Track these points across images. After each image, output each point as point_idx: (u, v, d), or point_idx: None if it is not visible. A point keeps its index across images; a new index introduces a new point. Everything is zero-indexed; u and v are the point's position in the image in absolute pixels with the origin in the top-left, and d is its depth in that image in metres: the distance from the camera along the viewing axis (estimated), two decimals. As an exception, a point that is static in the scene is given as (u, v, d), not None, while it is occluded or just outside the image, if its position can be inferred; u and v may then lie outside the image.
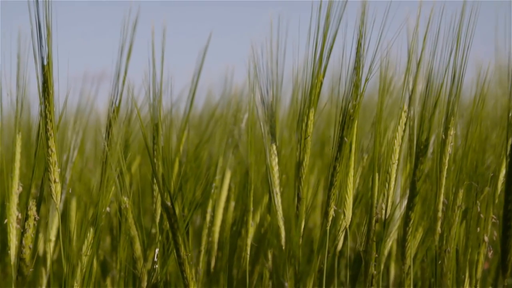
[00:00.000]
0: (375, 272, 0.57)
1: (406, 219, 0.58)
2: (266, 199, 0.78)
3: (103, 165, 0.68)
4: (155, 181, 0.68)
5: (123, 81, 0.70)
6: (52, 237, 0.71)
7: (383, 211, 0.61)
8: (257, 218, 0.77)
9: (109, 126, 0.69)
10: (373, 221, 0.57)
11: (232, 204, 0.78)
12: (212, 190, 0.75)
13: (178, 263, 0.57)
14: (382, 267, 0.59)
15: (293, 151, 0.69)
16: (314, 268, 0.61)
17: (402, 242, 0.58)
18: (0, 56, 0.66)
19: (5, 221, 0.64)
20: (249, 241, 0.68)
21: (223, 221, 0.78)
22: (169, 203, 0.56)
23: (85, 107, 0.77)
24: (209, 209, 0.75)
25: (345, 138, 0.63)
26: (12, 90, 0.65)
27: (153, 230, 0.77)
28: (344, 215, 0.64)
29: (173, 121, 0.76)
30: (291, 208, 0.58)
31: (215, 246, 0.77)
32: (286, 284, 0.49)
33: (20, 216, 0.65)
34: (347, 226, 0.64)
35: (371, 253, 0.56)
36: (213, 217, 0.76)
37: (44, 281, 0.70)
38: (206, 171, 0.80)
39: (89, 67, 0.73)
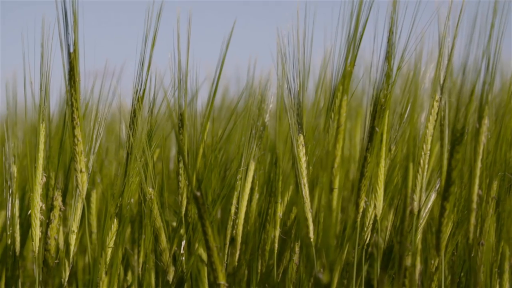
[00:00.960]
0: (409, 264, 0.55)
1: (441, 209, 0.56)
2: (289, 191, 0.77)
3: (128, 155, 0.67)
4: (181, 172, 0.66)
5: (148, 70, 0.68)
6: (75, 228, 0.69)
7: (415, 202, 0.59)
8: (281, 211, 0.76)
9: (133, 115, 0.68)
10: (407, 212, 0.55)
11: (256, 196, 0.77)
12: (238, 182, 0.74)
13: (207, 255, 0.56)
14: (416, 259, 0.58)
15: (321, 141, 0.68)
16: (342, 260, 0.60)
17: (437, 233, 0.57)
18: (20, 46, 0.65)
19: (29, 212, 0.63)
20: (277, 233, 0.67)
21: (247, 213, 0.76)
22: (198, 193, 0.55)
23: (106, 97, 0.75)
24: (234, 201, 0.73)
25: (376, 128, 0.61)
26: (35, 79, 0.64)
27: (173, 223, 0.76)
28: (375, 206, 0.62)
29: (197, 110, 0.74)
30: (324, 199, 0.56)
31: (239, 239, 0.75)
32: (321, 275, 0.47)
33: (44, 207, 0.64)
34: (378, 218, 0.62)
35: (405, 245, 0.55)
36: (237, 209, 0.74)
37: (67, 273, 0.68)
38: (230, 163, 0.78)
39: (111, 56, 0.71)
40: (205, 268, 0.79)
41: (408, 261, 0.55)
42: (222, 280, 0.57)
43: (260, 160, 0.77)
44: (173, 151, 1.09)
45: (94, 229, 0.83)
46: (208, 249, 0.56)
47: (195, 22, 0.71)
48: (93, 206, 0.83)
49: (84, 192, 0.59)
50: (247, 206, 0.76)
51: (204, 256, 0.81)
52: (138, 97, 0.69)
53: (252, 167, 0.76)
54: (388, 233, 0.68)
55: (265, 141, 0.77)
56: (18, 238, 0.70)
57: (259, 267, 0.76)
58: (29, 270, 0.95)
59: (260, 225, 0.75)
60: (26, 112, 0.64)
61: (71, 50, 0.59)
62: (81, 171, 0.59)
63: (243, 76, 0.86)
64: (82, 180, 0.59)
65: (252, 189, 0.77)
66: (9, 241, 0.69)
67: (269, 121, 0.77)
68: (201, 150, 0.73)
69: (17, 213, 0.71)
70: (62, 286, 0.65)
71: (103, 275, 0.55)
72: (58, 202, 0.60)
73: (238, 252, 0.76)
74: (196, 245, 0.65)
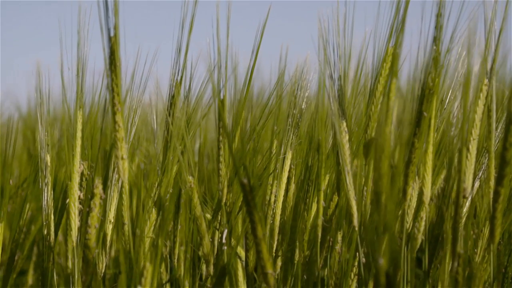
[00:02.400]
0: (462, 251, 0.54)
1: (495, 195, 0.55)
2: (326, 180, 0.76)
3: (166, 143, 0.65)
4: (221, 159, 0.65)
5: (185, 56, 0.67)
6: (111, 218, 0.68)
7: (467, 188, 0.58)
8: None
9: (171, 103, 0.67)
10: (461, 198, 0.54)
11: (293, 185, 0.75)
12: (277, 171, 0.72)
13: (254, 243, 0.55)
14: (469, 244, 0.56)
15: (361, 125, 0.66)
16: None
17: (491, 220, 0.55)
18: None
19: (67, 200, 0.62)
20: (320, 221, 0.65)
21: (284, 203, 0.75)
22: (245, 180, 0.53)
23: (139, 84, 0.74)
24: (274, 190, 0.72)
25: (424, 113, 0.60)
26: (73, 65, 0.62)
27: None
28: (423, 193, 0.61)
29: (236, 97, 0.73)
30: (372, 185, 0.55)
31: (276, 229, 0.74)
32: (381, 260, 0.46)
33: (82, 196, 0.62)
34: (426, 205, 0.61)
35: (457, 231, 0.53)
36: (275, 198, 0.73)
37: (103, 264, 0.67)
38: (266, 151, 0.77)
39: (148, 41, 0.70)
40: (239, 261, 0.77)
41: (461, 248, 0.54)
42: (269, 269, 0.55)
43: (296, 149, 0.76)
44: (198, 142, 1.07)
45: (126, 220, 0.81)
46: (255, 237, 0.55)
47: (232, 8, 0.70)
48: (125, 197, 0.82)
49: (126, 180, 0.58)
50: (284, 196, 0.75)
51: (239, 249, 0.79)
52: (176, 83, 0.67)
53: (289, 155, 0.74)
54: (431, 220, 0.67)
55: (302, 129, 0.75)
56: (52, 229, 0.69)
57: (297, 258, 0.74)
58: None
59: (297, 214, 0.73)
60: (64, 99, 0.62)
61: (112, 34, 0.57)
62: (122, 158, 0.57)
63: (277, 63, 0.84)
64: (124, 167, 0.57)
65: (289, 178, 0.75)
66: (45, 232, 0.67)
67: (306, 108, 0.76)
68: (237, 138, 0.72)
69: (51, 203, 0.69)
70: (100, 277, 0.63)
71: (147, 264, 0.53)
72: (98, 190, 0.58)
73: (275, 243, 0.74)
74: (238, 235, 0.64)
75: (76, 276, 0.66)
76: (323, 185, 0.66)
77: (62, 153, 0.73)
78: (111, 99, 0.57)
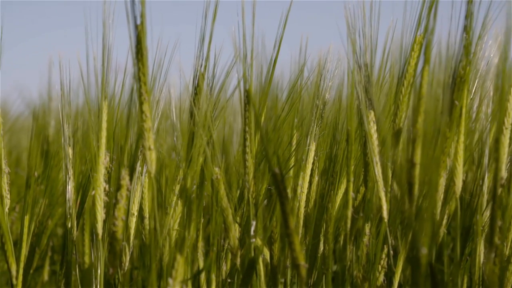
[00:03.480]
0: (499, 242, 0.53)
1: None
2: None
3: (191, 134, 0.64)
4: (247, 150, 0.64)
5: (209, 46, 0.66)
6: (135, 211, 0.67)
7: (502, 177, 0.56)
8: (343, 189, 0.74)
9: (195, 93, 0.66)
10: (498, 187, 0.53)
11: (316, 177, 0.74)
12: (303, 162, 0.71)
13: (286, 234, 0.54)
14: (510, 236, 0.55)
15: (389, 115, 0.65)
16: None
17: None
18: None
19: (93, 192, 0.61)
20: (349, 213, 0.64)
21: (308, 195, 0.74)
22: (277, 170, 0.52)
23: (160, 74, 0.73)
24: (300, 182, 0.71)
25: (456, 102, 0.59)
26: (98, 55, 0.61)
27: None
28: (454, 183, 0.60)
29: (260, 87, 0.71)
30: (404, 175, 0.54)
31: (301, 222, 0.73)
32: (424, 250, 0.45)
33: (107, 188, 0.61)
34: (457, 195, 0.60)
35: (495, 222, 0.52)
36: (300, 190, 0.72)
37: (127, 257, 0.66)
38: (288, 144, 0.76)
39: (169, 32, 0.69)
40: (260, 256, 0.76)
41: (497, 239, 0.53)
42: (301, 261, 0.54)
43: (319, 141, 0.75)
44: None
45: (146, 214, 0.80)
46: (287, 228, 0.54)
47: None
48: (145, 190, 0.81)
49: (154, 170, 0.57)
50: (308, 188, 0.74)
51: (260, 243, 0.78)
52: (199, 73, 0.66)
53: (312, 147, 0.73)
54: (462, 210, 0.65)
55: (326, 120, 0.74)
56: (75, 222, 0.68)
57: (321, 251, 0.73)
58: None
59: (322, 207, 0.72)
60: (87, 90, 0.61)
61: (138, 23, 0.56)
62: (149, 149, 0.56)
63: (297, 54, 0.83)
64: (151, 157, 0.56)
65: (312, 170, 0.74)
66: (68, 225, 0.66)
67: (329, 99, 0.75)
68: (253, 130, 0.70)
69: (73, 196, 0.68)
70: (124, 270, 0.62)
71: (178, 256, 0.52)
72: (125, 181, 0.57)
73: (299, 236, 0.74)
74: (266, 227, 0.63)
75: (99, 270, 0.65)
76: (351, 176, 0.65)
77: (83, 146, 0.72)
78: (138, 88, 0.56)
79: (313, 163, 0.74)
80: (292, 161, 0.75)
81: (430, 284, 0.46)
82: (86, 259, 0.93)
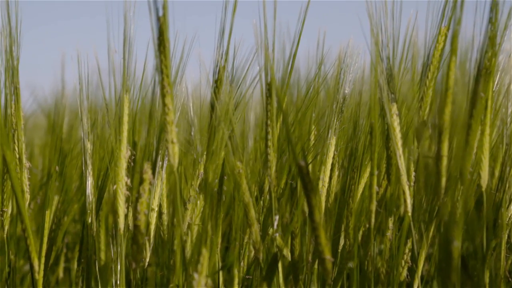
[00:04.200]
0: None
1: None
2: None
3: (212, 128, 0.64)
4: (269, 144, 0.63)
5: (229, 38, 0.65)
6: (155, 206, 0.66)
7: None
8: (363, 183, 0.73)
9: (216, 86, 0.65)
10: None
11: (336, 172, 0.73)
12: (324, 157, 0.70)
13: (311, 228, 0.53)
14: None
15: (415, 109, 0.64)
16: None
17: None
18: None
19: (114, 187, 0.60)
20: (373, 207, 0.63)
21: (328, 189, 0.73)
22: (303, 163, 0.52)
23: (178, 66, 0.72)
24: (322, 175, 0.70)
25: (481, 94, 0.58)
26: (119, 48, 0.61)
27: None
28: (480, 176, 0.59)
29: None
30: (431, 167, 0.53)
31: (322, 216, 0.72)
32: (456, 243, 0.44)
33: (129, 182, 0.61)
34: (483, 189, 0.59)
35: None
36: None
37: (148, 253, 0.66)
38: (306, 138, 0.75)
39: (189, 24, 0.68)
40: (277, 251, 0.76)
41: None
42: (327, 255, 0.53)
43: (339, 135, 0.74)
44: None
45: (164, 210, 0.80)
46: (313, 221, 0.53)
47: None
48: (163, 185, 0.80)
49: (176, 164, 0.56)
50: (328, 182, 0.73)
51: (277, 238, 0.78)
52: (220, 66, 0.65)
53: (333, 141, 0.73)
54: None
55: (346, 114, 0.73)
56: (94, 217, 0.67)
57: (341, 246, 0.73)
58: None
59: (343, 201, 0.71)
60: (114, 83, 0.60)
61: (160, 14, 0.55)
62: (172, 142, 0.56)
63: (317, 48, 0.83)
64: (174, 151, 0.56)
65: (332, 165, 0.74)
66: (89, 220, 0.66)
67: (350, 93, 0.74)
68: (279, 122, 0.70)
69: (92, 191, 0.68)
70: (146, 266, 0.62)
71: (204, 250, 0.52)
72: (148, 175, 0.57)
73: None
74: (286, 221, 0.62)
75: (119, 266, 0.65)
76: (375, 170, 0.64)
77: (102, 140, 0.71)
78: (160, 81, 0.56)
79: (333, 157, 0.73)
80: (311, 156, 0.75)
81: (460, 278, 0.46)
82: (102, 255, 0.92)
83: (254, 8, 0.67)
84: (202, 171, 0.71)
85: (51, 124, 1.16)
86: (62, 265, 1.02)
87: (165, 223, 0.79)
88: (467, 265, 0.44)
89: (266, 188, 0.73)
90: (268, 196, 0.68)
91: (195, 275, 0.52)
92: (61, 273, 1.01)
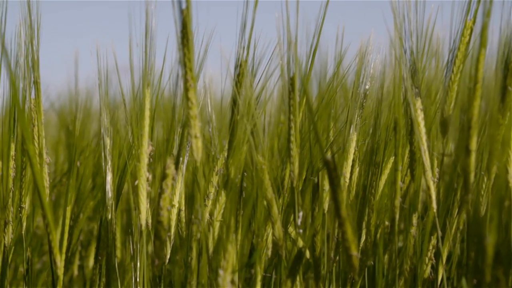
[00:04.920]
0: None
1: None
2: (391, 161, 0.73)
3: (234, 123, 0.63)
4: (292, 139, 0.62)
5: (250, 33, 0.64)
6: (175, 202, 0.65)
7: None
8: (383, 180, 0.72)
9: (237, 81, 0.64)
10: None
11: (357, 168, 0.72)
12: (345, 152, 0.69)
13: (338, 224, 0.52)
14: None
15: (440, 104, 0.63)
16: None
17: None
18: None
19: (136, 182, 0.60)
20: (397, 203, 0.62)
21: (349, 186, 0.72)
22: (330, 157, 0.51)
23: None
24: (343, 171, 0.69)
25: (509, 87, 0.57)
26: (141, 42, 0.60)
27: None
28: (507, 172, 0.58)
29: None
30: (461, 162, 0.52)
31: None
32: (488, 239, 0.43)
33: (150, 178, 0.60)
34: (511, 184, 0.58)
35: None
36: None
37: (168, 250, 0.65)
38: (328, 132, 0.74)
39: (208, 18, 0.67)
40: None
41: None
42: (354, 251, 0.53)
43: (360, 131, 0.73)
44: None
45: (182, 206, 0.79)
46: (339, 217, 0.52)
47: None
48: (179, 183, 0.79)
49: (199, 159, 0.55)
50: (349, 178, 0.72)
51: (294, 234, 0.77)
52: (241, 61, 0.65)
53: (354, 137, 0.72)
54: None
55: (366, 110, 0.72)
56: (114, 214, 0.66)
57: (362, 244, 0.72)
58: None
59: (364, 198, 0.71)
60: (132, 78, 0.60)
61: (184, 7, 0.55)
62: (195, 137, 0.55)
63: (336, 43, 0.82)
64: (197, 145, 0.55)
65: (353, 161, 0.73)
66: (109, 216, 0.65)
67: (370, 88, 0.73)
68: (299, 118, 0.69)
69: (112, 187, 0.67)
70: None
71: (229, 247, 0.51)
72: (171, 170, 0.56)
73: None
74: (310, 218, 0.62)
75: (139, 263, 0.64)
76: (400, 165, 0.63)
77: (119, 136, 0.71)
78: (184, 74, 0.55)
79: (353, 153, 0.73)
80: (330, 152, 0.74)
81: (495, 275, 0.45)
82: (118, 253, 0.91)
83: (275, 1, 0.66)
84: (221, 167, 0.70)
85: (64, 121, 1.16)
86: (76, 262, 1.01)
87: (183, 219, 0.78)
88: (503, 262, 0.43)
89: (286, 184, 0.72)
90: (288, 192, 0.67)
91: (220, 272, 0.51)
92: (75, 271, 1.00)
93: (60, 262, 0.55)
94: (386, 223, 0.75)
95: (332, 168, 0.51)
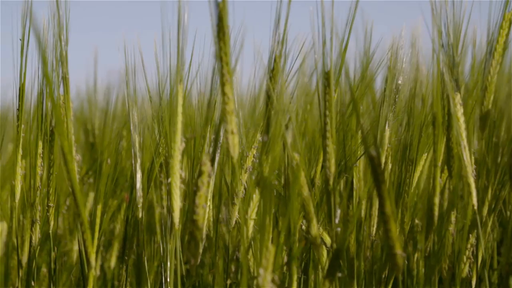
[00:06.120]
0: None
1: None
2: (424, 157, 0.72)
3: (268, 119, 0.61)
4: (328, 135, 0.61)
5: (285, 28, 0.63)
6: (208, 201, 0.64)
7: None
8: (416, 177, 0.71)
9: (270, 76, 0.63)
10: None
11: (389, 165, 0.71)
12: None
13: (382, 221, 0.51)
14: None
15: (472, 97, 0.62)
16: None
17: None
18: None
19: (169, 180, 0.58)
20: (437, 200, 0.61)
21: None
22: (374, 153, 0.49)
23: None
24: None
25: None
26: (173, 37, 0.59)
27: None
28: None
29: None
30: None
31: (376, 212, 0.70)
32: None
33: (183, 175, 0.59)
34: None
35: None
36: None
37: (200, 250, 0.63)
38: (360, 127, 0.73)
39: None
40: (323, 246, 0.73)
41: None
42: (399, 250, 0.51)
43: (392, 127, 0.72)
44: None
45: (210, 205, 0.77)
46: (383, 214, 0.51)
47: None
48: (205, 179, 0.78)
49: (236, 155, 0.54)
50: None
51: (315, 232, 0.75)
52: (275, 56, 0.63)
53: (387, 133, 0.70)
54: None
55: (399, 105, 0.71)
56: (142, 212, 0.65)
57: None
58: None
59: (398, 196, 0.69)
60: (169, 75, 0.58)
61: (219, 0, 0.53)
62: (232, 133, 0.54)
63: (365, 38, 0.80)
64: (234, 142, 0.53)
65: (386, 158, 0.71)
66: (139, 215, 0.64)
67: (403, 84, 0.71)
68: (333, 115, 0.67)
69: (142, 186, 0.66)
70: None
71: (270, 245, 0.49)
72: (206, 167, 0.54)
73: (374, 227, 0.71)
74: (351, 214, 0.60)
75: (170, 263, 0.63)
76: (439, 161, 0.62)
77: (149, 133, 0.69)
78: (220, 69, 0.54)
79: (386, 150, 0.71)
80: (361, 150, 0.72)
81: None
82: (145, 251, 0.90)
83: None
84: (250, 165, 0.69)
85: (82, 119, 1.14)
86: (98, 263, 0.99)
87: (210, 218, 0.77)
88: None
89: (316, 182, 0.71)
90: (319, 190, 0.66)
91: (261, 271, 0.50)
92: (98, 271, 0.99)
93: (94, 262, 0.53)
94: (416, 221, 0.73)
95: (377, 164, 0.50)
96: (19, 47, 0.65)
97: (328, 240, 0.66)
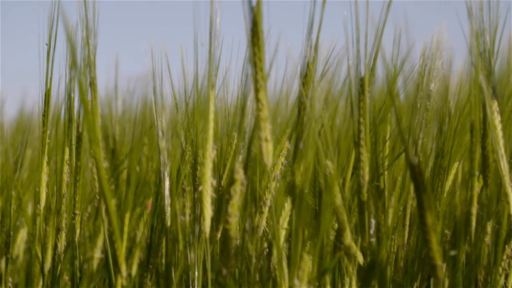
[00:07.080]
0: None
1: None
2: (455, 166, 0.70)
3: (300, 125, 0.60)
4: (362, 143, 0.59)
5: (318, 33, 0.61)
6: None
7: None
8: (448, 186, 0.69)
9: (303, 82, 0.62)
10: None
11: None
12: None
13: (422, 231, 0.49)
14: None
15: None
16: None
17: None
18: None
19: (200, 188, 0.57)
20: (474, 210, 0.59)
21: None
22: (416, 161, 0.48)
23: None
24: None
25: None
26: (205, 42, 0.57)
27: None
28: None
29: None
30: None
31: (408, 221, 0.68)
32: None
33: (214, 183, 0.57)
34: None
35: None
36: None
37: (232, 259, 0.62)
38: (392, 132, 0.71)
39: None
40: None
41: None
42: (438, 261, 0.49)
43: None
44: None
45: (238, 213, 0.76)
46: (423, 225, 0.49)
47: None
48: (237, 187, 0.77)
49: (270, 163, 0.52)
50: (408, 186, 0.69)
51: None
52: (308, 61, 0.62)
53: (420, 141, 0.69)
54: None
55: (431, 112, 0.69)
56: (173, 221, 0.64)
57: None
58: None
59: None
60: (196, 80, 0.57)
61: (254, 5, 0.52)
62: (266, 140, 0.52)
63: (393, 43, 0.79)
64: (268, 149, 0.52)
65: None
66: (168, 223, 0.62)
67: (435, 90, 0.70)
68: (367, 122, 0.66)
69: (167, 193, 0.65)
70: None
71: (305, 255, 0.48)
72: (239, 175, 0.53)
73: (406, 236, 0.69)
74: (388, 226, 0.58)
75: (198, 272, 0.62)
76: (476, 171, 0.60)
77: (174, 140, 0.68)
78: (254, 74, 0.52)
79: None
80: (390, 158, 0.71)
81: None
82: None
83: (340, 1, 0.63)
84: (278, 172, 0.67)
85: (104, 125, 1.13)
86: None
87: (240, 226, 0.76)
88: None
89: (346, 190, 0.69)
90: (355, 198, 0.64)
91: (296, 282, 0.49)
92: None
93: (124, 271, 0.52)
94: (446, 231, 0.72)
95: (417, 173, 0.48)
96: (39, 51, 0.64)
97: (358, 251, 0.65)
